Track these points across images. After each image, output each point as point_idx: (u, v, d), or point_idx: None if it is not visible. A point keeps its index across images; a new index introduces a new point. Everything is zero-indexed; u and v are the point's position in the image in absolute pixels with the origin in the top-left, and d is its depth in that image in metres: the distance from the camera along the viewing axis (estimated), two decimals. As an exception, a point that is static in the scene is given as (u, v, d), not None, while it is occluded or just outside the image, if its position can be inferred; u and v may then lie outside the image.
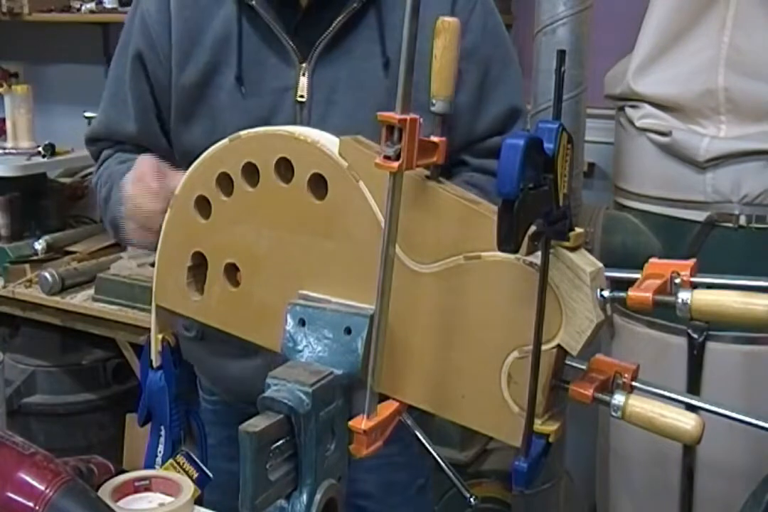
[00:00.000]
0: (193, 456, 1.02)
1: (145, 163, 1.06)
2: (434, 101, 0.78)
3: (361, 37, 1.16)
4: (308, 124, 1.13)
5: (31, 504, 0.74)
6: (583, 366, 0.79)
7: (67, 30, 3.03)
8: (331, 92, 1.16)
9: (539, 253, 0.71)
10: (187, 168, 1.18)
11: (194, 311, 0.98)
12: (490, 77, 1.20)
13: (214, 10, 1.17)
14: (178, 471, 1.00)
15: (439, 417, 0.84)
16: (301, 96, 1.15)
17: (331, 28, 1.13)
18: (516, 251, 0.66)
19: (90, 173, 2.74)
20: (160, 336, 1.03)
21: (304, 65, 1.15)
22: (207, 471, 1.02)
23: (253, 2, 1.14)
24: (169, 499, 0.95)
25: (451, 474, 0.89)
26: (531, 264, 0.75)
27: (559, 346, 0.75)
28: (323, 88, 1.16)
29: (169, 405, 1.05)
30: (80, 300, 2.23)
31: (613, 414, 0.75)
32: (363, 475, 1.28)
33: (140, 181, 1.05)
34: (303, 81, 1.15)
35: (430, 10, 1.14)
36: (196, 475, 1.00)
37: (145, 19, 1.20)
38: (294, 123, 1.14)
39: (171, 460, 1.01)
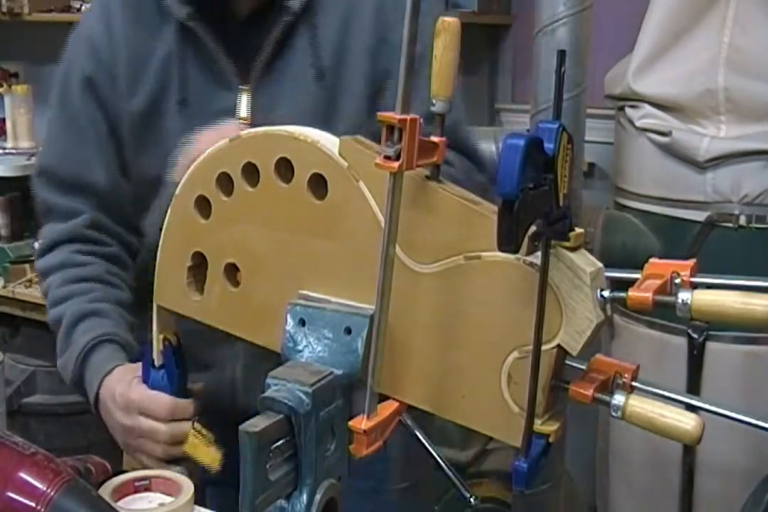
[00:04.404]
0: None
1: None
2: (434, 101, 0.78)
3: (296, 49, 1.14)
4: None
5: (32, 504, 0.74)
6: (583, 366, 0.79)
7: (67, 30, 3.01)
8: (270, 112, 1.13)
9: (539, 253, 0.71)
10: (149, 196, 1.15)
11: (194, 311, 0.98)
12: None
13: (157, 30, 1.14)
14: (199, 439, 0.99)
15: (439, 417, 0.84)
16: (244, 118, 1.13)
17: (265, 48, 1.11)
18: (516, 251, 0.66)
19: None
20: (161, 337, 1.03)
21: (243, 87, 1.13)
22: None
23: (191, 23, 1.10)
24: (169, 499, 0.95)
25: (451, 474, 0.90)
26: (531, 264, 0.75)
27: (559, 346, 0.75)
28: (263, 108, 1.13)
29: None
30: (80, 300, 2.22)
31: (613, 414, 0.75)
32: None
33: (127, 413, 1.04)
34: (244, 102, 1.13)
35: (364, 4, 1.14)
36: (215, 438, 0.99)
37: (93, 41, 1.16)
38: None
39: (192, 430, 1.00)
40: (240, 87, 1.13)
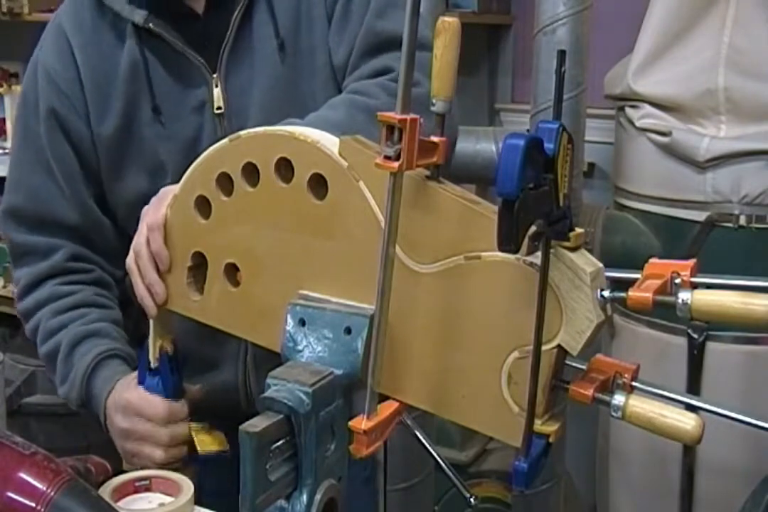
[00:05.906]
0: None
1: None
2: (434, 101, 0.78)
3: (257, 24, 1.13)
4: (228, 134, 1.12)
5: (32, 504, 0.74)
6: (583, 366, 0.79)
7: (67, 30, 3.02)
8: (245, 97, 1.13)
9: (539, 253, 0.71)
10: (134, 220, 1.10)
11: (194, 311, 0.98)
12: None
13: (118, 50, 1.13)
14: (199, 432, 1.02)
15: (439, 417, 0.84)
16: (219, 108, 1.12)
17: (229, 32, 1.11)
18: (516, 251, 0.66)
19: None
20: (158, 343, 1.02)
21: (215, 76, 1.12)
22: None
23: (150, 25, 1.09)
24: (169, 499, 0.95)
25: (451, 474, 0.90)
26: (531, 264, 0.75)
27: (559, 346, 0.75)
28: (236, 95, 1.13)
29: None
30: (80, 300, 2.22)
31: (614, 414, 0.75)
32: None
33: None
34: (217, 92, 1.12)
35: None
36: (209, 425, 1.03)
37: (51, 77, 1.14)
38: (216, 136, 1.10)
39: (194, 426, 1.03)
40: (212, 77, 1.12)
